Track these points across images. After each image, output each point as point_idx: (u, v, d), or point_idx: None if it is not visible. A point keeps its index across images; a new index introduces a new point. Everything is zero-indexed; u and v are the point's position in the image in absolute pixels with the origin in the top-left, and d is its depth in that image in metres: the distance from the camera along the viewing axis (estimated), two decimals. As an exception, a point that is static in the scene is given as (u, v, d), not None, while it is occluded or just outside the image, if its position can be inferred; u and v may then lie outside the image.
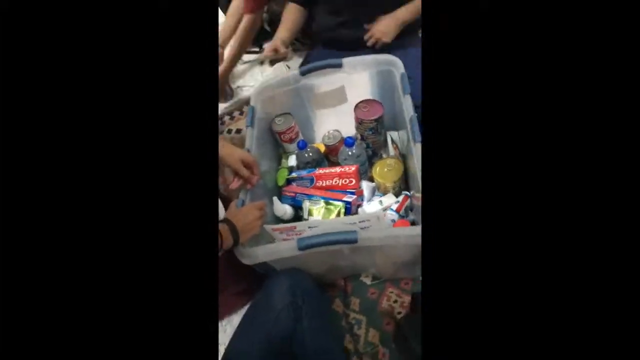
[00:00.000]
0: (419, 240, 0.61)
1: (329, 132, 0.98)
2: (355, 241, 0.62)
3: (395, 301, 0.87)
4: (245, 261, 0.69)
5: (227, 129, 1.35)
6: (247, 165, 0.75)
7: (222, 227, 0.66)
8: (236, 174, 0.75)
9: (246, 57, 1.57)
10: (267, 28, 1.49)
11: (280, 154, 1.04)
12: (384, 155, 0.97)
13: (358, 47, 0.99)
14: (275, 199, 0.87)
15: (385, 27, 0.93)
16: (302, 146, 0.95)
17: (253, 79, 1.51)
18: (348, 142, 0.92)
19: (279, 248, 0.67)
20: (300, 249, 0.64)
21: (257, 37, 1.56)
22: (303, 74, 0.90)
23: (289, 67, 1.46)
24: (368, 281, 0.91)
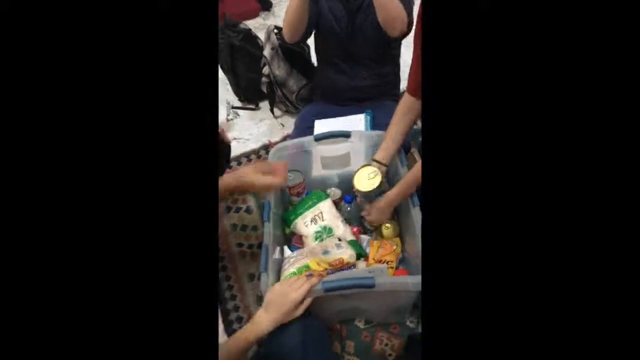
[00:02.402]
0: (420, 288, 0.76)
1: (332, 189, 1.13)
2: (373, 286, 0.75)
3: (387, 344, 0.98)
4: (270, 300, 0.78)
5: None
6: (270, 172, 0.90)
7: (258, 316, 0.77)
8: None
9: (242, 112, 1.72)
10: (264, 90, 1.65)
11: (286, 204, 1.15)
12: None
13: (354, 97, 1.23)
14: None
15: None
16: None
17: (248, 132, 1.65)
18: (347, 199, 1.08)
19: (305, 289, 0.77)
20: (326, 291, 0.75)
21: (253, 96, 1.73)
22: (317, 139, 1.05)
23: (282, 125, 1.62)
24: (361, 325, 1.02)
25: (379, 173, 0.97)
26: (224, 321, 1.06)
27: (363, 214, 1.05)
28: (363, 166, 0.99)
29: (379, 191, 0.99)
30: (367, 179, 0.97)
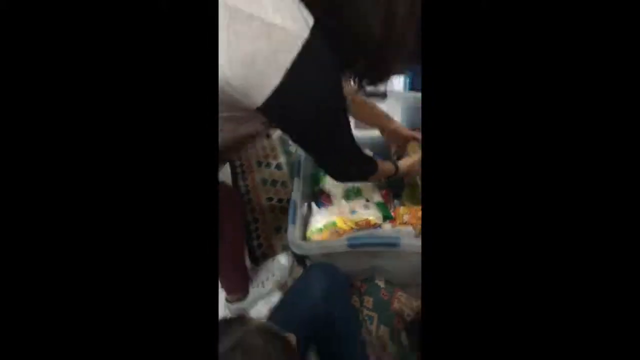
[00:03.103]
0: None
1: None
2: (398, 245, 0.76)
3: (405, 304, 1.01)
4: (296, 250, 0.82)
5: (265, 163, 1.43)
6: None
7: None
8: None
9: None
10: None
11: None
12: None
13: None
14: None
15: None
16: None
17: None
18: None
19: (332, 244, 0.79)
20: (350, 246, 0.77)
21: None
22: (353, 98, 1.04)
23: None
24: (381, 284, 1.05)
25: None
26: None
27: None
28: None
29: None
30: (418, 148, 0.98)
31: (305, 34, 0.46)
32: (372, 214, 0.94)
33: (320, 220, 0.94)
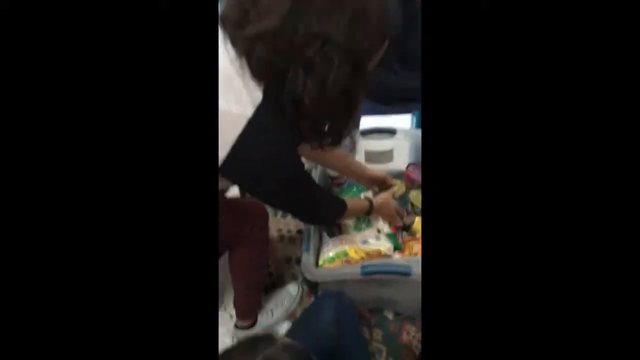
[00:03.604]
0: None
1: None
2: (409, 274, 0.78)
3: (414, 337, 1.01)
4: (310, 277, 0.84)
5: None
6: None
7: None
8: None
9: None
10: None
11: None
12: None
13: (401, 97, 1.23)
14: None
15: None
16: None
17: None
18: None
19: (344, 271, 0.82)
20: (363, 274, 0.79)
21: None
22: (363, 134, 1.10)
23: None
24: (390, 316, 1.05)
25: None
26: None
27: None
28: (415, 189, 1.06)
29: None
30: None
31: (249, 112, 0.51)
32: (382, 245, 0.97)
33: (332, 249, 0.97)
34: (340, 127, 0.61)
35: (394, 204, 1.00)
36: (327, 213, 0.81)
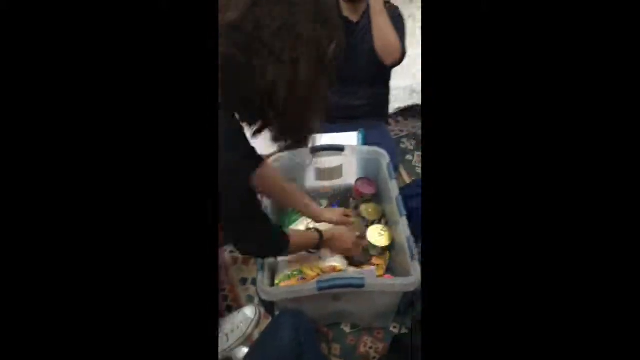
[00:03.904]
0: (408, 289, 0.83)
1: (324, 201, 1.20)
2: (362, 285, 0.81)
3: (371, 347, 1.04)
4: (265, 297, 0.83)
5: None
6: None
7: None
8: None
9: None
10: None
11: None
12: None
13: (344, 115, 1.28)
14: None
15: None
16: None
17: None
18: (334, 206, 1.16)
19: (301, 288, 0.82)
20: (319, 289, 0.80)
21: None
22: (313, 152, 1.13)
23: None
24: (347, 329, 1.07)
25: (387, 229, 1.06)
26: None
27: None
28: (371, 225, 1.09)
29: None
30: (378, 236, 1.05)
31: None
32: (337, 261, 0.99)
33: (288, 267, 0.97)
34: (308, 123, 0.61)
35: (350, 236, 0.98)
36: (270, 247, 0.79)
